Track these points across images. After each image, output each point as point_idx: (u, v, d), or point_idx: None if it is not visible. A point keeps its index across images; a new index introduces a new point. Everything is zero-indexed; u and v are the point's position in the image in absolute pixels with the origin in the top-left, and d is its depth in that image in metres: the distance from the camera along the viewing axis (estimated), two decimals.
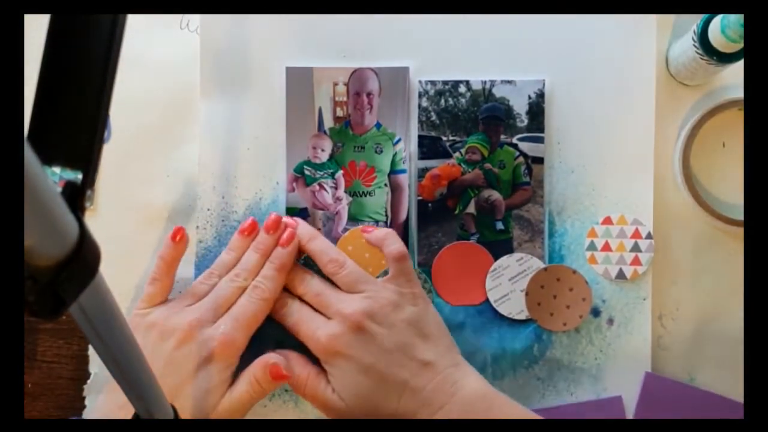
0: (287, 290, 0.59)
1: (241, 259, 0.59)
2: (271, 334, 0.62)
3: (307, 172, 0.63)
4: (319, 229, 0.63)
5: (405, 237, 0.63)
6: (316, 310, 0.57)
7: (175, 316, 0.56)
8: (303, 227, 0.60)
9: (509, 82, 0.63)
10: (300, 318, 0.57)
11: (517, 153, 0.63)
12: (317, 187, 0.63)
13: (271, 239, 0.58)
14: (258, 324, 0.57)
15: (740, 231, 0.63)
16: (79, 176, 0.31)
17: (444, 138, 0.64)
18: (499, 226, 0.63)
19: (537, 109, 0.63)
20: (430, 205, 0.63)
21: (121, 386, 0.41)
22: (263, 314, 0.57)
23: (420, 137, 0.64)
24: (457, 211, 0.63)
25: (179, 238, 0.59)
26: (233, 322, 0.56)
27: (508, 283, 0.62)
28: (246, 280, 0.57)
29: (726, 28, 0.54)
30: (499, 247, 0.63)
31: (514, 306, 0.62)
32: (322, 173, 0.63)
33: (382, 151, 0.63)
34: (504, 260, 0.62)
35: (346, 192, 0.63)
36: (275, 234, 0.59)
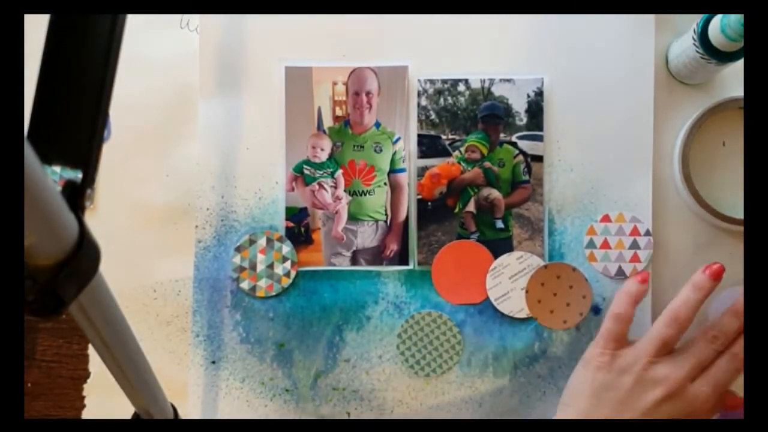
0: None
1: (721, 322, 0.57)
2: (272, 335, 0.62)
3: (306, 172, 0.63)
4: (318, 229, 0.63)
5: (405, 236, 0.63)
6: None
7: (657, 367, 0.56)
8: None
9: (508, 80, 0.63)
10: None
11: (517, 151, 0.63)
12: (317, 187, 0.63)
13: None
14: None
15: (740, 230, 0.63)
16: (79, 175, 0.31)
17: (443, 137, 0.64)
18: (499, 224, 0.63)
19: (536, 108, 0.63)
20: (429, 204, 0.63)
21: (121, 386, 0.41)
22: (733, 382, 0.57)
23: (419, 136, 0.64)
24: (456, 210, 0.63)
25: (644, 281, 0.60)
26: (713, 387, 0.56)
27: (508, 281, 0.62)
28: (722, 346, 0.56)
29: (726, 27, 0.54)
30: (499, 245, 0.63)
31: (515, 304, 0.62)
32: (321, 172, 0.63)
33: (381, 150, 0.63)
34: (504, 259, 0.62)
35: (345, 191, 0.63)
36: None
